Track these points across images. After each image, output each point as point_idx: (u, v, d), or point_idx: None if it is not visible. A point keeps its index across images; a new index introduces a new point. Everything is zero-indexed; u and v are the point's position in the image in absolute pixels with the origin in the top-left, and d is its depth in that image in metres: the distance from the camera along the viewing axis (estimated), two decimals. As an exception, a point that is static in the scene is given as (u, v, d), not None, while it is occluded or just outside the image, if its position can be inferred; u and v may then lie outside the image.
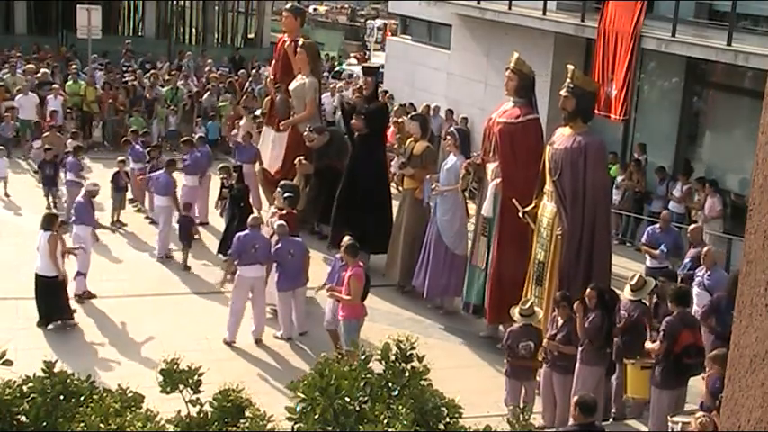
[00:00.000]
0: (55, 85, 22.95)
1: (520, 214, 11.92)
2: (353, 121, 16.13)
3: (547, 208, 11.66)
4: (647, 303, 10.76)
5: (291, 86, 17.60)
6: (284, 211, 13.49)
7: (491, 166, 12.84)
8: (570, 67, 11.93)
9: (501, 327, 12.72)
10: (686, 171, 16.88)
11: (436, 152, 15.62)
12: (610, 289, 10.96)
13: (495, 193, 12.65)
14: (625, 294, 10.56)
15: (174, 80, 24.25)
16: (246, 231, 12.73)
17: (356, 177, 15.49)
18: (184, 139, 18.25)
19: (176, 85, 23.89)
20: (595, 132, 12.52)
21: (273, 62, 19.23)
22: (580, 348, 10.11)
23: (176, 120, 22.84)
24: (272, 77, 19.06)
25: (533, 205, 11.90)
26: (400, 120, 20.25)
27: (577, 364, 10.12)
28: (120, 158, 17.85)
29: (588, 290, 10.25)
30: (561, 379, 10.34)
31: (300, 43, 17.75)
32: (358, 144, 15.74)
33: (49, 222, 12.78)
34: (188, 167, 16.82)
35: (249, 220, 13.05)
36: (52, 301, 12.71)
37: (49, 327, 12.75)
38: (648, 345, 9.88)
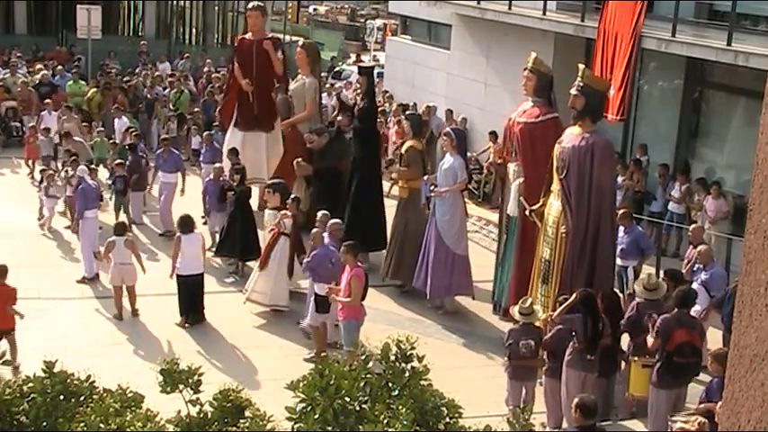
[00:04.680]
0: (49, 98, 22.46)
1: (527, 212, 11.95)
2: (339, 117, 16.21)
3: (553, 206, 11.68)
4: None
5: (291, 87, 17.60)
6: (289, 211, 13.52)
7: (512, 166, 12.88)
8: (581, 66, 11.96)
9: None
10: (684, 171, 16.88)
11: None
12: (612, 293, 10.95)
13: (518, 193, 12.68)
14: (638, 293, 10.59)
15: (178, 82, 24.12)
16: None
17: (352, 177, 15.61)
18: (163, 137, 18.14)
19: (180, 88, 23.79)
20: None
21: (235, 62, 18.18)
22: (567, 351, 10.11)
23: (175, 126, 22.79)
24: (247, 81, 17.65)
25: (540, 203, 11.93)
26: (403, 120, 20.28)
27: (563, 366, 10.14)
28: (118, 161, 17.81)
29: (577, 293, 10.24)
30: (547, 381, 10.40)
31: (300, 43, 17.73)
32: (354, 144, 15.84)
33: (192, 225, 13.44)
34: (165, 166, 16.99)
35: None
36: (198, 297, 13.35)
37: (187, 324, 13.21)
38: (650, 341, 9.92)
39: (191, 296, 13.29)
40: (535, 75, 12.63)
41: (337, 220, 13.30)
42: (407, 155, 14.59)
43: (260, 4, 18.57)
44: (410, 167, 14.49)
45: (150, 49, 30.78)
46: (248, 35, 18.33)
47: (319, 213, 13.65)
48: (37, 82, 23.88)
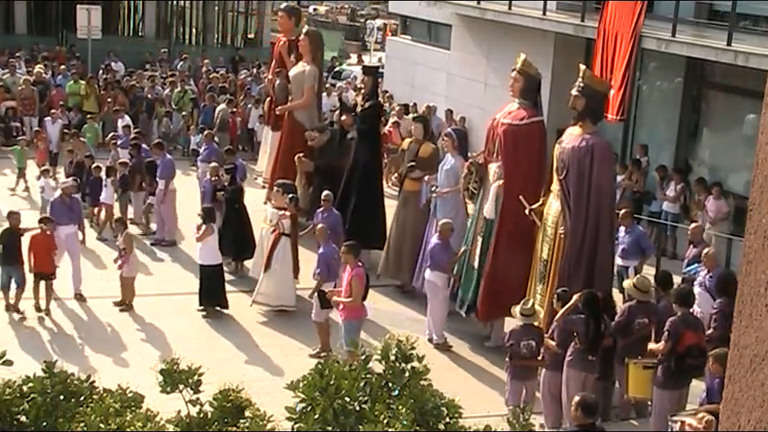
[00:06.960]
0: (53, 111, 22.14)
1: (527, 211, 11.93)
2: (343, 117, 16.25)
3: (553, 206, 11.67)
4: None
5: (291, 73, 17.69)
6: (288, 212, 13.52)
7: (493, 167, 12.82)
8: (582, 66, 11.94)
9: (497, 325, 12.74)
10: (679, 170, 16.86)
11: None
12: (606, 294, 10.95)
13: (497, 195, 12.61)
14: (629, 293, 10.60)
15: (182, 83, 24.09)
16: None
17: (350, 175, 15.61)
18: (156, 142, 18.00)
19: (184, 88, 23.75)
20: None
21: (273, 63, 19.32)
22: (568, 351, 10.12)
23: (175, 124, 22.74)
24: (270, 78, 19.19)
25: (540, 203, 11.92)
26: (401, 120, 20.31)
27: (564, 366, 10.14)
28: (121, 160, 17.77)
29: (580, 293, 10.22)
30: (549, 375, 10.40)
31: (304, 30, 17.87)
32: (354, 142, 15.85)
33: (215, 216, 13.84)
34: (160, 171, 16.58)
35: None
36: (219, 286, 13.55)
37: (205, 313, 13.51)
38: (651, 345, 9.89)
39: (209, 285, 13.43)
40: (523, 76, 12.53)
41: (448, 220, 13.14)
42: (433, 157, 14.58)
43: (290, 5, 19.41)
44: (434, 169, 14.43)
45: (149, 48, 30.80)
46: (282, 36, 19.20)
47: (324, 192, 13.78)
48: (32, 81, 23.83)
